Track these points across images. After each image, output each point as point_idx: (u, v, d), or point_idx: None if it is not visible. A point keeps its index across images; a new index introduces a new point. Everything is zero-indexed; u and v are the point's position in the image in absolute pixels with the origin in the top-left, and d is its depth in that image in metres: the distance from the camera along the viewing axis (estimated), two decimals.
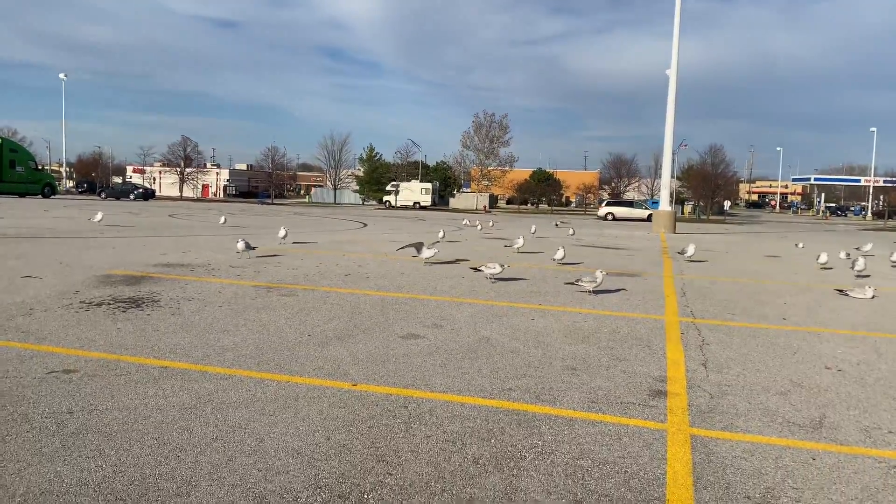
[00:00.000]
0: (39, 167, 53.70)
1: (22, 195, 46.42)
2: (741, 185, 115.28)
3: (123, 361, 4.87)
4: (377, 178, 78.90)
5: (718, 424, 4.03)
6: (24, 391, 4.10)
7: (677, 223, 31.93)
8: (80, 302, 7.01)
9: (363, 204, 77.63)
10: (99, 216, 18.49)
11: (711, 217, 62.19)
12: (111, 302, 7.03)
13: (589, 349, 5.83)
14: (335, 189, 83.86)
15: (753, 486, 3.17)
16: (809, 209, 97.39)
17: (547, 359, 5.45)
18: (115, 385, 4.30)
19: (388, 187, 72.66)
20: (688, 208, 70.54)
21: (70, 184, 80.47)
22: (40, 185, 49.55)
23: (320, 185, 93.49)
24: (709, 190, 64.89)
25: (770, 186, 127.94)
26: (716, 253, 17.52)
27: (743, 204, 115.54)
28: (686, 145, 68.61)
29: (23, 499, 2.75)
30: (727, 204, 78.66)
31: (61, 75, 70.18)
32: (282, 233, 14.61)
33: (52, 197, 49.07)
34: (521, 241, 14.64)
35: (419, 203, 70.23)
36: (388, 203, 71.30)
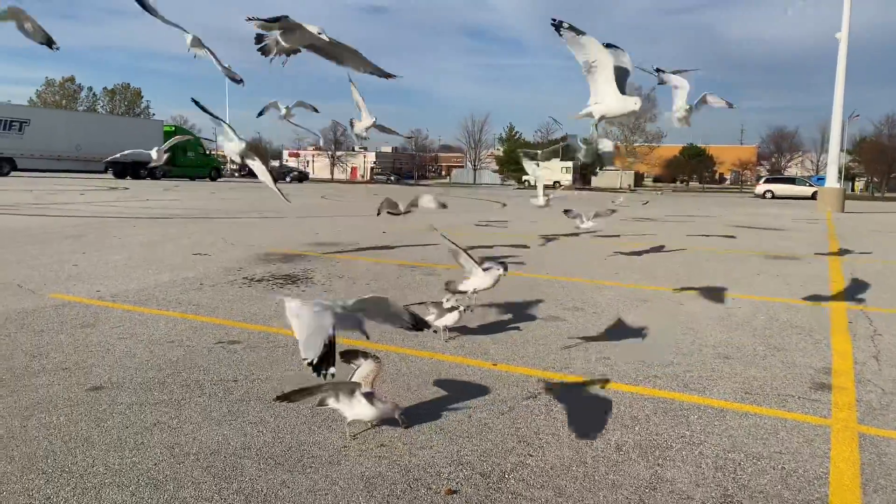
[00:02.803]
0: (207, 152, 58.37)
1: (192, 178, 50.78)
2: None
3: (281, 334, 5.20)
4: (516, 158, 78.71)
5: (892, 423, 3.67)
6: (196, 360, 4.49)
7: (847, 201, 29.29)
8: (243, 278, 7.56)
9: (502, 184, 77.75)
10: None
11: (887, 195, 56.48)
12: (270, 278, 7.53)
13: (743, 337, 5.50)
14: (475, 169, 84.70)
15: None
16: None
17: (696, 346, 5.20)
18: (273, 356, 4.61)
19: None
20: (859, 185, 64.51)
21: (233, 167, 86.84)
22: (208, 168, 53.89)
23: (460, 166, 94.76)
24: (885, 164, 58.93)
25: None
26: (890, 235, 15.90)
27: None
28: (858, 116, 62.48)
29: (196, 457, 3.02)
30: None
31: (226, 65, 75.32)
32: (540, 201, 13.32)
33: (218, 180, 53.24)
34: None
35: (559, 182, 69.30)
36: (527, 182, 70.89)
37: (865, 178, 66.03)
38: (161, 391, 3.86)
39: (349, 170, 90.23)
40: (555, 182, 69.11)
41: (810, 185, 46.98)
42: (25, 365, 4.26)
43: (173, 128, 55.22)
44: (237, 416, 3.52)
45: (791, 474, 3.03)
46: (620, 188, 65.54)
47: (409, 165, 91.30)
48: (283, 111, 7.78)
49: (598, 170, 79.56)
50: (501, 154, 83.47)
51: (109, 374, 4.13)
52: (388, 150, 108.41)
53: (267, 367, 4.35)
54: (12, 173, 42.74)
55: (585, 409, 3.79)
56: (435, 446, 3.22)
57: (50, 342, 4.78)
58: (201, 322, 5.53)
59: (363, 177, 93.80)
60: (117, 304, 6.03)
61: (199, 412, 3.57)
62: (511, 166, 78.66)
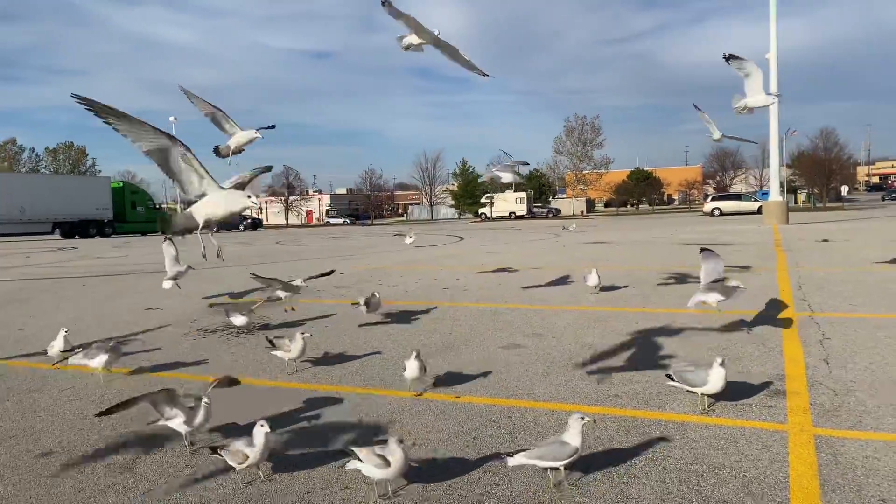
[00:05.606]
0: (157, 206, 57.45)
1: (143, 233, 49.85)
2: (859, 168, 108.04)
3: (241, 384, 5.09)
4: (471, 192, 79.46)
5: (845, 423, 3.76)
6: (151, 416, 4.36)
7: (790, 213, 30.26)
8: (198, 330, 7.42)
9: (459, 218, 78.29)
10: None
11: (828, 204, 58.59)
12: (224, 328, 7.40)
13: (699, 350, 5.60)
14: (431, 205, 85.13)
15: (889, 488, 2.94)
16: None
17: (654, 362, 5.27)
18: (228, 406, 4.50)
19: (483, 199, 72.94)
20: (801, 197, 66.84)
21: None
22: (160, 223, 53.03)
23: (417, 203, 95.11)
24: (823, 176, 61.25)
25: (892, 167, 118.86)
26: (834, 242, 16.48)
27: (863, 188, 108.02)
28: (795, 132, 64.93)
29: None
30: (844, 189, 73.85)
31: (171, 118, 73.90)
32: (409, 239, 15.60)
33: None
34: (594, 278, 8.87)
35: (514, 213, 70.12)
36: (483, 215, 71.61)
37: (806, 191, 68.34)
38: (115, 451, 3.74)
39: (304, 214, 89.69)
40: (510, 213, 69.98)
41: (755, 201, 48.37)
42: None
43: (121, 184, 54.21)
44: (196, 470, 3.42)
45: (752, 481, 3.07)
46: (573, 215, 66.53)
47: (365, 206, 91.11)
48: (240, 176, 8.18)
49: (550, 198, 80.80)
50: (456, 189, 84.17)
51: (59, 439, 3.99)
52: (343, 191, 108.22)
53: (225, 418, 4.25)
54: None
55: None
56: (401, 483, 3.18)
57: None
58: (156, 377, 5.39)
59: (319, 220, 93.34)
60: (68, 365, 5.83)
61: (156, 469, 3.46)
62: (467, 199, 79.29)
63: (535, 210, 71.98)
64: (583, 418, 3.08)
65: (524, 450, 3.11)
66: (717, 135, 11.24)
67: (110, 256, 22.03)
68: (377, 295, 7.41)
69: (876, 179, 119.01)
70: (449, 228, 43.53)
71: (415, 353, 4.58)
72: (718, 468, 3.23)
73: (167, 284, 8.76)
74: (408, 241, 15.41)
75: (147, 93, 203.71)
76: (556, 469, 3.06)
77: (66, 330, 5.78)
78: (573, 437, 3.03)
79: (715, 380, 3.91)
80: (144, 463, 3.54)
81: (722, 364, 3.91)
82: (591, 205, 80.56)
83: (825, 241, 14.63)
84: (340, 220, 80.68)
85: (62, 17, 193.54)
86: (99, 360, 5.16)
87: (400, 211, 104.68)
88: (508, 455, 3.11)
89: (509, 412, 4.20)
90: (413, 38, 7.28)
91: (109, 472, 3.43)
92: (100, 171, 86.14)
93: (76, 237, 44.83)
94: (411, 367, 4.55)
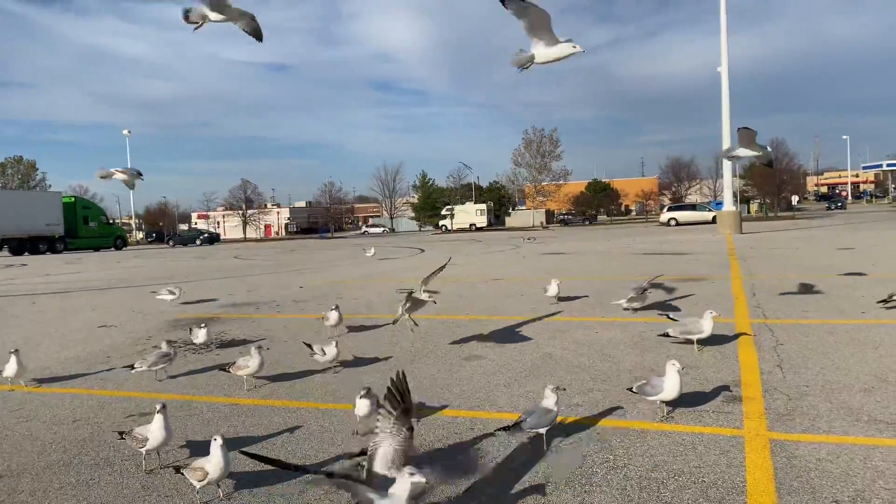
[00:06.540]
0: (110, 221, 56.17)
1: (96, 249, 48.62)
2: (808, 178, 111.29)
3: (195, 401, 5.00)
4: (432, 204, 79.61)
5: (799, 427, 3.85)
6: (105, 436, 4.25)
7: (744, 223, 31.00)
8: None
9: (420, 230, 78.31)
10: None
11: (780, 214, 60.21)
12: (182, 345, 7.24)
13: (657, 358, 5.67)
14: (392, 218, 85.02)
15: (842, 489, 3.01)
16: (884, 197, 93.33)
17: (614, 371, 5.33)
18: (188, 425, 4.42)
19: (444, 211, 73.18)
20: (754, 206, 68.52)
21: (140, 235, 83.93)
22: (112, 238, 51.82)
23: (377, 216, 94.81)
24: (774, 186, 62.92)
25: (839, 177, 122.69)
26: (786, 250, 16.94)
27: (812, 197, 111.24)
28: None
29: None
30: (795, 199, 75.97)
31: (125, 132, 72.04)
32: (370, 252, 16.65)
33: (124, 249, 51.20)
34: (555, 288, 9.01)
35: (475, 224, 70.47)
36: (444, 227, 71.78)
37: (759, 200, 70.06)
38: (67, 473, 3.62)
39: (263, 228, 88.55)
40: (471, 224, 70.30)
41: (710, 210, 49.41)
42: None
43: (73, 198, 52.83)
44: (151, 491, 3.34)
45: (710, 487, 3.12)
46: (533, 226, 67.09)
47: (325, 219, 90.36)
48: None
49: (510, 210, 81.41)
50: (417, 201, 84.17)
51: (8, 462, 3.85)
52: (303, 204, 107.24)
53: (181, 437, 4.16)
54: None
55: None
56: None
57: None
58: (109, 397, 5.25)
59: (277, 233, 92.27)
60: (15, 386, 5.65)
61: (111, 491, 3.36)
62: (428, 212, 79.41)
63: (567, 218, 72.05)
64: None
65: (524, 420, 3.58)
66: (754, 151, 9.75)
67: (61, 273, 21.44)
68: (339, 308, 7.36)
69: (825, 189, 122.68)
70: (411, 241, 43.47)
71: (365, 391, 4.07)
72: (678, 474, 3.27)
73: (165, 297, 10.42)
74: (369, 253, 15.66)
75: (100, 106, 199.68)
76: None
77: (12, 350, 5.59)
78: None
79: (670, 387, 3.97)
80: (98, 486, 3.44)
81: (677, 371, 3.98)
82: (550, 216, 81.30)
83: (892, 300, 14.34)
84: (380, 230, 76.74)
85: (6, 29, 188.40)
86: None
87: (360, 224, 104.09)
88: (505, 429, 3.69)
89: (472, 423, 4.19)
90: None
91: (61, 496, 3.32)
92: (50, 185, 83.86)
93: (25, 254, 43.51)
94: (361, 406, 4.04)
